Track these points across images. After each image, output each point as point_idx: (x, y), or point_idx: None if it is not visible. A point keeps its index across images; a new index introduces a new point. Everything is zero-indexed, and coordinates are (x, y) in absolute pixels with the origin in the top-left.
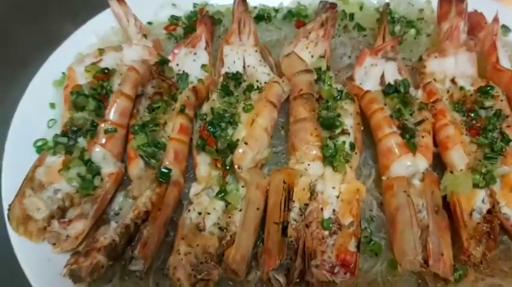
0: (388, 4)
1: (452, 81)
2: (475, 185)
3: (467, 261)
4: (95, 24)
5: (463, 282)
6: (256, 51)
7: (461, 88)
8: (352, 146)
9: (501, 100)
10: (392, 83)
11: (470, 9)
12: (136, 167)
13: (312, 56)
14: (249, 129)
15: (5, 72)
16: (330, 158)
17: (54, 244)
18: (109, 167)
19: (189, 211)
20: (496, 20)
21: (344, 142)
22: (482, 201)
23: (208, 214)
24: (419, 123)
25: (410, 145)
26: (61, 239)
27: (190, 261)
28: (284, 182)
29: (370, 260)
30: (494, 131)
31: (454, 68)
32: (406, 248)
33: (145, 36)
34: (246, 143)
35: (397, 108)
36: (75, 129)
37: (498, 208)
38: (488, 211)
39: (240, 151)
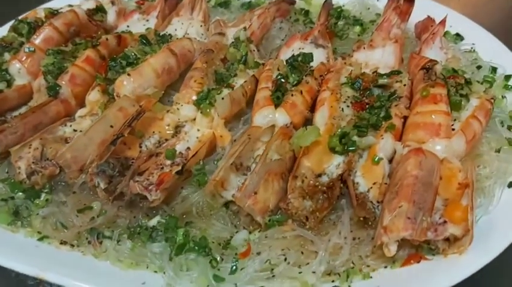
0: None
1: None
2: (333, 149)
3: (287, 210)
4: None
5: (275, 230)
6: (201, 26)
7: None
8: (227, 98)
9: (404, 85)
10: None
11: (424, 15)
12: (38, 82)
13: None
14: (139, 65)
15: None
16: (199, 100)
17: None
18: (21, 81)
19: (65, 125)
20: (442, 22)
21: (221, 92)
22: (337, 166)
23: (81, 131)
24: (296, 84)
25: (275, 98)
26: None
27: (35, 156)
28: (140, 106)
29: (190, 189)
30: (381, 108)
31: (379, 59)
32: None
33: (113, 2)
34: (128, 75)
35: (284, 70)
36: (4, 44)
37: (352, 175)
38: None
39: (121, 79)
